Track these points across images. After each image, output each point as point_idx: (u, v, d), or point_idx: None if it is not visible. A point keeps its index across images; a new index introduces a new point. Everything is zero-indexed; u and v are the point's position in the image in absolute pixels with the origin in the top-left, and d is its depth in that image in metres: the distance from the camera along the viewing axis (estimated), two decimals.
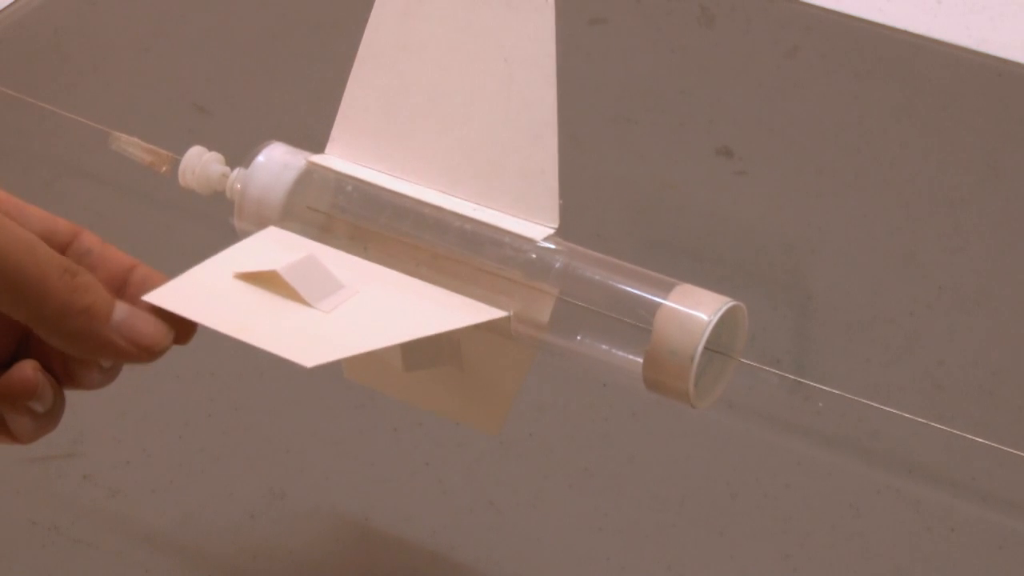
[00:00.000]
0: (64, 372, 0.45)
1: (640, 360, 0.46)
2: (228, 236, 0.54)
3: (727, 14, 0.91)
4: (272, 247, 0.49)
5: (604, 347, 0.47)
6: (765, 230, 0.76)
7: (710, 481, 0.63)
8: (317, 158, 0.52)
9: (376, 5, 0.51)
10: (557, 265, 0.48)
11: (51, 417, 0.45)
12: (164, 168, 0.53)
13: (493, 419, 0.53)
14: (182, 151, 0.53)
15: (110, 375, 0.46)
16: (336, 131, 0.52)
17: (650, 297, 0.46)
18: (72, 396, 0.67)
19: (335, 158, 0.52)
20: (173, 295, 0.46)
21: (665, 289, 0.46)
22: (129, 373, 0.69)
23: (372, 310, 0.47)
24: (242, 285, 0.47)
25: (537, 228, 0.49)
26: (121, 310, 0.44)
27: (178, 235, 0.73)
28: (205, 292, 0.46)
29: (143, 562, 0.60)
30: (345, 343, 0.45)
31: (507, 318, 0.48)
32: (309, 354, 0.44)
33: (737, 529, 0.61)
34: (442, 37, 0.50)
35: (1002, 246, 0.75)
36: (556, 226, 0.49)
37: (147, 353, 0.45)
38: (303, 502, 0.62)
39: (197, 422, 0.65)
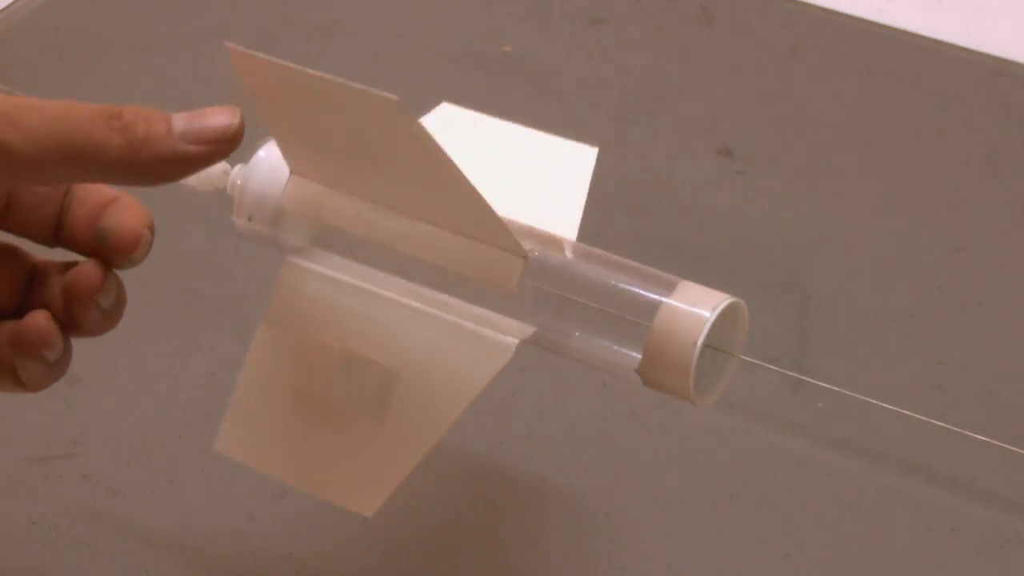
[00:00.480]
0: (67, 319, 0.46)
1: (640, 357, 0.46)
2: (228, 235, 0.54)
3: (727, 14, 0.91)
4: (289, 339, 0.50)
5: (604, 344, 0.47)
6: (765, 230, 0.76)
7: (710, 481, 0.63)
8: (282, 198, 0.51)
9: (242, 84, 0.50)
10: (557, 262, 0.48)
11: (61, 365, 0.46)
12: None
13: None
14: None
15: (111, 317, 0.46)
16: (288, 161, 0.52)
17: (651, 295, 0.46)
18: (73, 397, 0.67)
19: (300, 181, 0.51)
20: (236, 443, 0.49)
21: (666, 286, 0.46)
22: (129, 373, 0.69)
23: (403, 406, 0.48)
24: (287, 405, 0.48)
25: (508, 265, 0.48)
26: (179, 120, 0.44)
27: (178, 235, 0.73)
28: (257, 429, 0.48)
29: (143, 562, 0.60)
30: (393, 468, 0.48)
31: (513, 345, 0.48)
32: (365, 503, 0.47)
33: (737, 529, 0.61)
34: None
35: (1002, 246, 0.75)
36: (525, 258, 0.48)
37: (225, 143, 0.44)
38: (303, 502, 0.62)
39: (197, 422, 0.65)
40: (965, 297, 0.72)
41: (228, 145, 0.44)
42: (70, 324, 0.46)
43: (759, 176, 0.79)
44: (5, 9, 0.91)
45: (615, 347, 0.47)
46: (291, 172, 0.50)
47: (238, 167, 0.52)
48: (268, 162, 0.52)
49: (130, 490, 0.63)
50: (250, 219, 0.52)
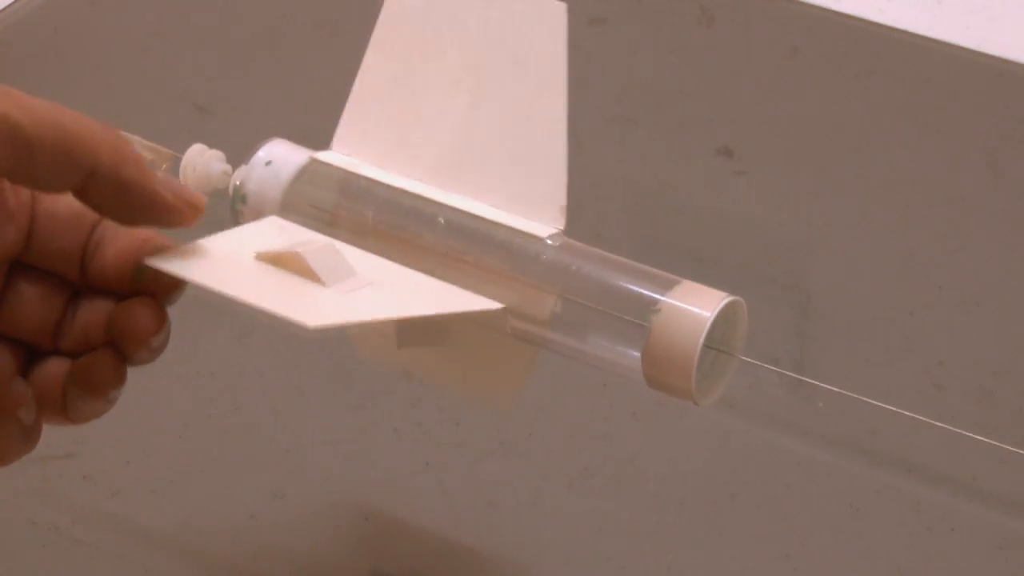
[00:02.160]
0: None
1: (641, 357, 0.46)
2: None
3: (727, 14, 0.91)
4: (277, 232, 0.50)
5: (605, 344, 0.47)
6: (765, 230, 0.76)
7: (710, 481, 0.63)
8: (321, 155, 0.52)
9: (386, 4, 0.51)
10: (557, 261, 0.48)
11: (115, 400, 0.46)
12: (164, 166, 0.53)
13: (505, 394, 0.53)
14: (182, 151, 0.53)
15: (158, 353, 0.46)
16: (342, 129, 0.52)
17: (651, 294, 0.46)
18: None
19: (340, 155, 0.52)
20: (181, 260, 0.46)
21: (666, 286, 0.46)
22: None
23: (380, 293, 0.47)
24: (256, 261, 0.47)
25: (542, 227, 0.49)
26: (159, 173, 0.44)
27: (178, 234, 0.73)
28: (216, 263, 0.46)
29: (143, 562, 0.60)
30: (349, 312, 0.46)
31: (504, 312, 0.48)
32: (312, 317, 0.44)
33: (737, 529, 0.61)
34: (453, 38, 0.50)
35: (1002, 246, 0.75)
36: (561, 227, 0.49)
37: (193, 209, 0.45)
38: (303, 502, 0.62)
39: (197, 422, 0.65)
40: (965, 297, 0.72)
41: (191, 214, 0.45)
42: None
43: (759, 176, 0.79)
44: (5, 9, 0.91)
45: (617, 347, 0.47)
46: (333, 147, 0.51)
47: (240, 168, 0.52)
48: (268, 162, 0.52)
49: (130, 490, 0.63)
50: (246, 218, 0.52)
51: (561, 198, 0.49)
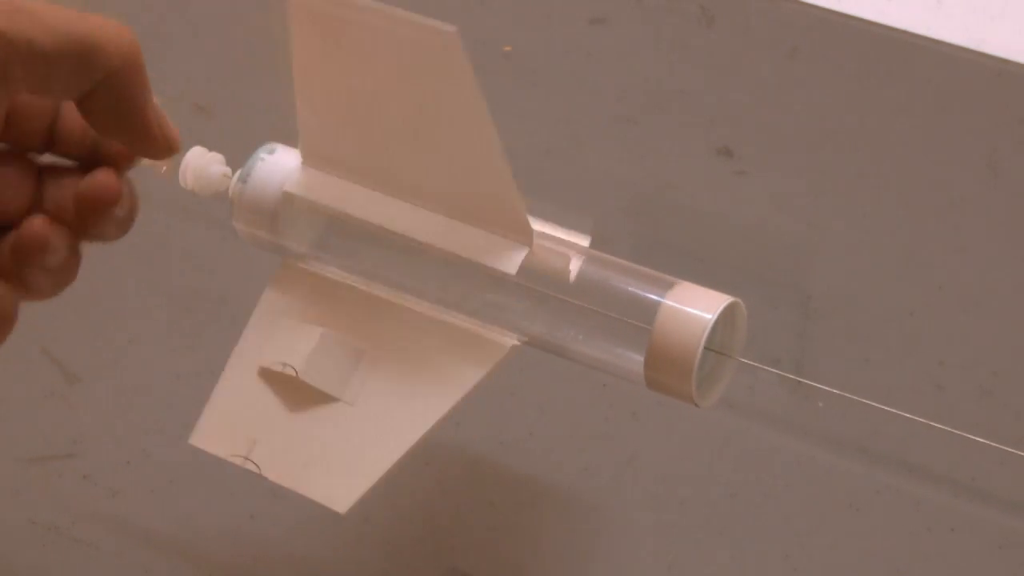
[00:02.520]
0: (80, 226, 0.45)
1: (641, 359, 0.46)
2: (229, 236, 0.54)
3: (727, 14, 0.91)
4: (280, 322, 0.50)
5: (605, 346, 0.47)
6: (765, 230, 0.76)
7: (710, 481, 0.63)
8: (291, 184, 0.51)
9: (295, 38, 0.51)
10: (555, 265, 0.48)
11: (67, 272, 0.45)
12: (164, 169, 0.53)
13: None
14: (183, 150, 0.53)
15: (124, 224, 0.46)
16: (304, 141, 0.52)
17: (650, 296, 0.46)
18: (72, 398, 0.67)
19: (312, 174, 0.51)
20: (212, 435, 0.49)
21: (665, 287, 0.46)
22: (129, 373, 0.69)
23: (389, 396, 0.48)
24: (267, 390, 0.48)
25: (512, 251, 0.48)
26: (156, 100, 0.45)
27: (178, 235, 0.73)
28: (236, 401, 0.47)
29: (143, 562, 0.60)
30: (370, 467, 0.48)
31: (518, 347, 0.48)
32: (339, 500, 0.47)
33: (737, 529, 0.61)
34: (366, 61, 0.48)
35: (1002, 246, 0.75)
36: (530, 246, 0.48)
37: (170, 146, 0.46)
38: (303, 502, 0.62)
39: (197, 422, 0.65)
40: (965, 297, 0.72)
41: (166, 150, 0.46)
42: (82, 231, 0.45)
43: (759, 176, 0.79)
44: None
45: (617, 349, 0.47)
46: (303, 163, 0.51)
47: (239, 171, 0.52)
48: (265, 167, 0.52)
49: (130, 490, 0.63)
50: (247, 223, 0.52)
51: (523, 218, 0.48)
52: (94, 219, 0.45)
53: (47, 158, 0.47)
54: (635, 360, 0.46)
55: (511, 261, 0.47)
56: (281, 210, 0.51)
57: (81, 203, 0.45)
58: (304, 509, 0.62)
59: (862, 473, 0.64)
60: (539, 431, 0.65)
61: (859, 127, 0.83)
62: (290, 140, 0.53)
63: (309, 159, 0.51)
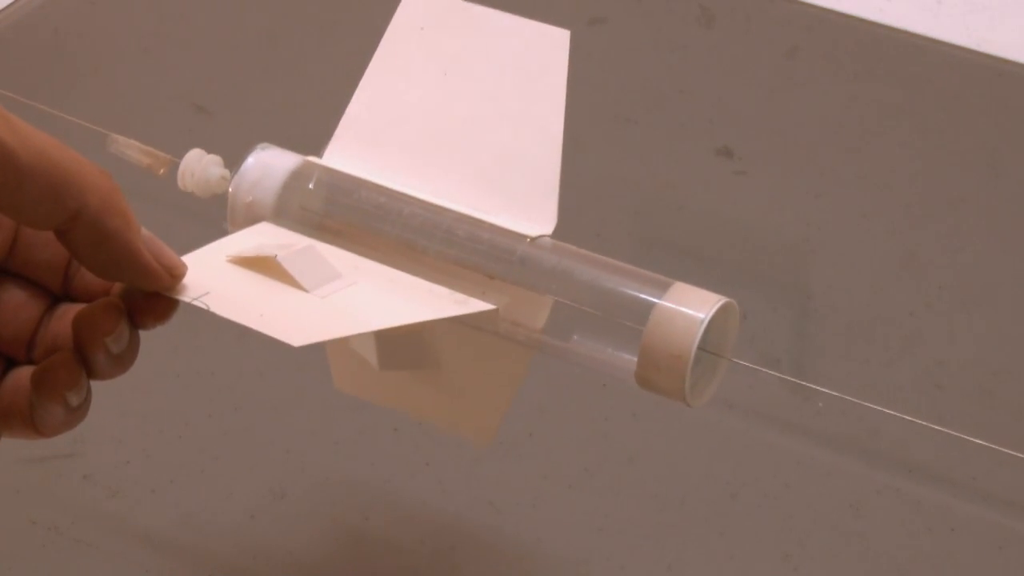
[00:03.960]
0: (77, 353, 0.44)
1: (634, 359, 0.46)
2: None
3: (727, 14, 0.91)
4: (266, 239, 0.49)
5: (599, 347, 0.47)
6: (765, 230, 0.76)
7: (710, 481, 0.63)
8: (315, 159, 0.52)
9: (397, 14, 0.52)
10: (550, 265, 0.48)
11: (81, 411, 0.44)
12: (162, 171, 0.53)
13: (483, 430, 0.52)
14: (183, 151, 0.53)
15: (120, 361, 0.44)
16: (339, 133, 0.52)
17: (644, 296, 0.46)
18: None
19: (335, 157, 0.52)
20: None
21: (659, 288, 0.46)
22: (129, 373, 0.69)
23: (365, 298, 0.47)
24: (237, 270, 0.46)
25: (531, 228, 0.49)
26: (145, 231, 0.43)
27: (178, 237, 0.73)
28: (198, 276, 0.46)
29: (143, 562, 0.60)
30: (335, 325, 0.45)
31: (495, 312, 0.48)
32: (297, 335, 0.43)
33: (737, 529, 0.61)
34: (457, 55, 0.51)
35: (1002, 246, 0.75)
36: (550, 231, 0.48)
37: (170, 275, 0.44)
38: (303, 502, 0.62)
39: (197, 422, 0.65)
40: (965, 297, 0.72)
41: (168, 280, 0.44)
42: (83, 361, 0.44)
43: (759, 176, 0.79)
44: (5, 9, 0.91)
45: (610, 350, 0.47)
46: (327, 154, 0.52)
47: (233, 179, 0.52)
48: (257, 169, 0.52)
49: (130, 490, 0.63)
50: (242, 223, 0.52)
51: (554, 204, 0.49)
52: (89, 349, 0.43)
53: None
54: (629, 360, 0.46)
55: (532, 230, 0.49)
56: (272, 208, 0.51)
57: (75, 331, 0.43)
58: (304, 509, 0.62)
59: (862, 473, 0.64)
60: (539, 431, 0.65)
61: (859, 127, 0.83)
62: (289, 141, 0.53)
63: (334, 148, 0.51)
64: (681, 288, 0.46)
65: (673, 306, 0.46)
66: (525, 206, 0.49)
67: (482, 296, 0.48)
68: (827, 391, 0.49)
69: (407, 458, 0.64)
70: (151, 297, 0.44)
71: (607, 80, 0.86)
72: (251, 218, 0.51)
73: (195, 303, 0.44)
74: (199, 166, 0.52)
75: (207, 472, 0.63)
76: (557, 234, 0.49)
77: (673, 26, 0.90)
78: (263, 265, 0.46)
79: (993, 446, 0.48)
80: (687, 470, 0.64)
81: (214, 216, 0.54)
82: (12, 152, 0.39)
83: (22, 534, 0.61)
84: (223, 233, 0.52)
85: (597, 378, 0.65)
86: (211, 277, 0.46)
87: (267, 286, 0.46)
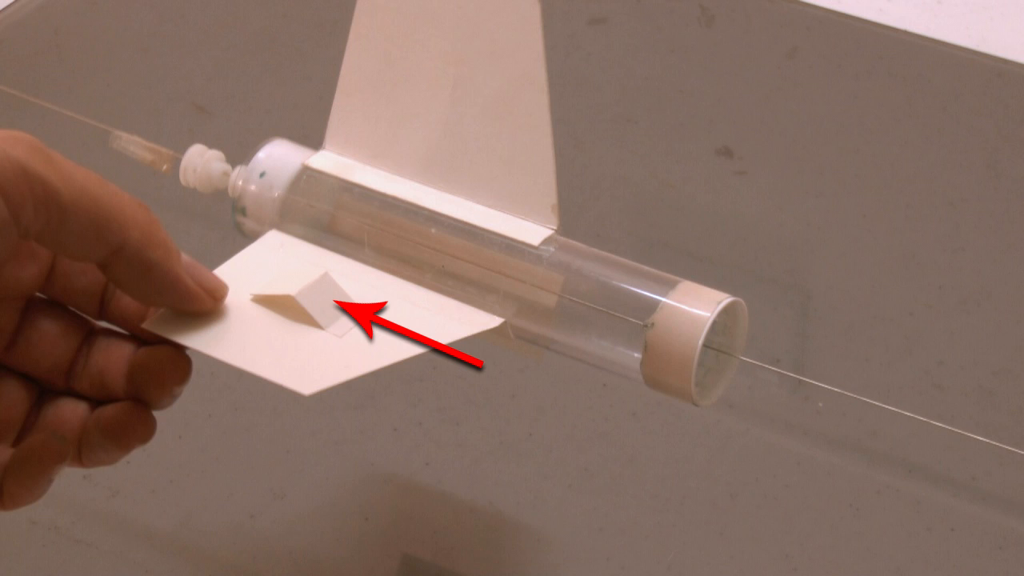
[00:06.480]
0: (130, 392, 0.45)
1: (641, 357, 0.46)
2: (229, 235, 0.54)
3: (727, 14, 0.91)
4: (277, 256, 0.49)
5: (606, 345, 0.47)
6: (765, 230, 0.76)
7: (710, 481, 0.63)
8: (314, 159, 0.52)
9: (359, 2, 0.51)
10: (557, 263, 0.48)
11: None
12: (165, 167, 0.53)
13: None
14: (182, 151, 0.53)
15: (177, 397, 0.46)
16: (332, 125, 0.52)
17: (651, 295, 0.46)
18: None
19: (332, 155, 0.52)
20: (176, 321, 0.46)
21: (666, 286, 0.46)
22: None
23: (376, 331, 0.47)
24: (257, 308, 0.47)
25: (536, 229, 0.49)
26: (184, 256, 0.44)
27: (179, 235, 0.73)
28: (214, 320, 0.46)
29: (143, 562, 0.60)
30: (344, 370, 0.46)
31: (505, 325, 0.48)
32: (308, 383, 0.44)
33: (737, 529, 0.61)
34: (430, 31, 0.50)
35: (1002, 246, 0.75)
36: (555, 227, 0.49)
37: (212, 297, 0.45)
38: (303, 502, 0.62)
39: (197, 422, 0.65)
40: (965, 297, 0.72)
41: (210, 303, 0.45)
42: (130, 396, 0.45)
43: (759, 176, 0.79)
44: (5, 9, 0.91)
45: (617, 347, 0.47)
46: (325, 147, 0.51)
47: (239, 168, 0.52)
48: (269, 162, 0.52)
49: (130, 490, 0.63)
50: (248, 215, 0.52)
51: (552, 196, 0.49)
52: (153, 394, 0.45)
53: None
54: (635, 359, 0.46)
55: (535, 233, 0.48)
56: (281, 203, 0.51)
57: (140, 375, 0.45)
58: (304, 508, 0.62)
59: (862, 473, 0.64)
60: (539, 431, 0.65)
61: (859, 127, 0.83)
62: (289, 139, 0.53)
63: (332, 143, 0.51)
64: (688, 286, 0.46)
65: (681, 304, 0.46)
66: (526, 204, 0.49)
67: (490, 295, 0.48)
68: (828, 389, 0.49)
69: (407, 458, 0.64)
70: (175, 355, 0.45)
71: (607, 80, 0.86)
72: (260, 212, 0.51)
73: (214, 356, 0.46)
74: (201, 161, 0.52)
75: (207, 472, 0.63)
76: (557, 232, 0.49)
77: (673, 26, 0.90)
78: (282, 304, 0.47)
79: (993, 444, 0.48)
80: (687, 470, 0.64)
81: (215, 213, 0.54)
82: (56, 191, 0.40)
83: (22, 534, 0.61)
84: (225, 229, 0.52)
85: (597, 378, 0.65)
86: (225, 321, 0.46)
87: (285, 328, 0.47)
